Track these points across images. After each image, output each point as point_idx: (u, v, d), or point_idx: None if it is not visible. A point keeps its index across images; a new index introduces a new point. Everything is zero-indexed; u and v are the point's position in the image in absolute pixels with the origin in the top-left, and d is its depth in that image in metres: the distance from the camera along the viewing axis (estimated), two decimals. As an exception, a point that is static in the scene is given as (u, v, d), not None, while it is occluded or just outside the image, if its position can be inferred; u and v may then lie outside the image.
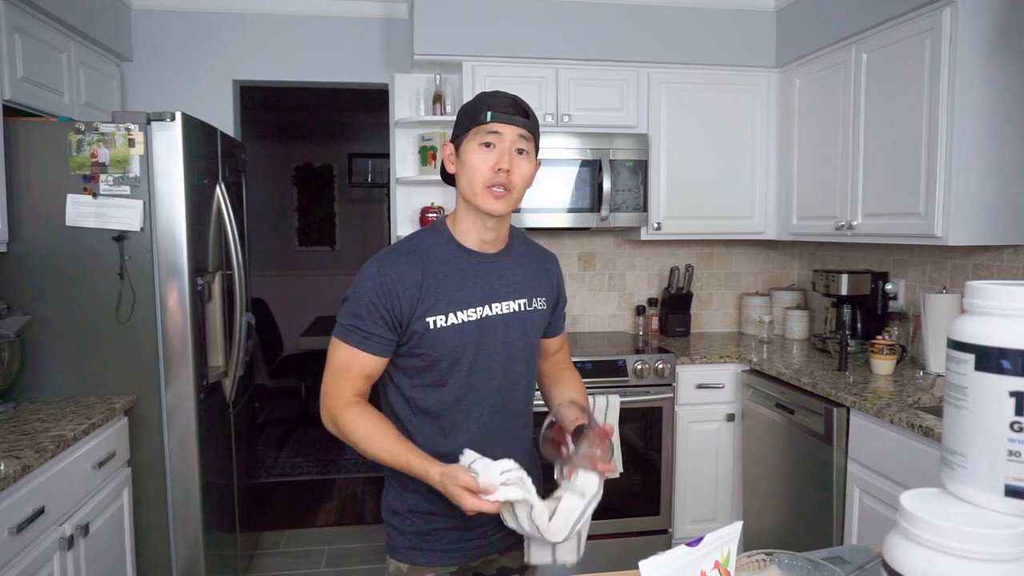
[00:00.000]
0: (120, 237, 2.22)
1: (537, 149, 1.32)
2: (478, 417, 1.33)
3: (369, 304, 1.25)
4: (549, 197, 3.00)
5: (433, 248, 1.31)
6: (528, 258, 1.42)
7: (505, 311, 1.34)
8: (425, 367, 1.30)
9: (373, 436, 1.24)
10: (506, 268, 1.36)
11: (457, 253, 1.32)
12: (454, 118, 1.37)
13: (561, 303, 1.52)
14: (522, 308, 1.37)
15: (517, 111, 1.27)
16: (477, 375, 1.32)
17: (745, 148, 3.23)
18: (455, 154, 1.32)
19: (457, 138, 1.31)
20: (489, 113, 1.25)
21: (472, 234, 1.33)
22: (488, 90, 1.34)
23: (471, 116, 1.27)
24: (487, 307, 1.31)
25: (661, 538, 2.93)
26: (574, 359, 1.98)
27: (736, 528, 0.83)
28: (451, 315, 1.28)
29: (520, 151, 1.27)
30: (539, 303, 1.40)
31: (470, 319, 1.29)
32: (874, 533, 2.09)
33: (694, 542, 0.78)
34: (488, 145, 1.26)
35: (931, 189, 2.29)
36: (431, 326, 1.26)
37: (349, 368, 1.27)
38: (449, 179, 1.37)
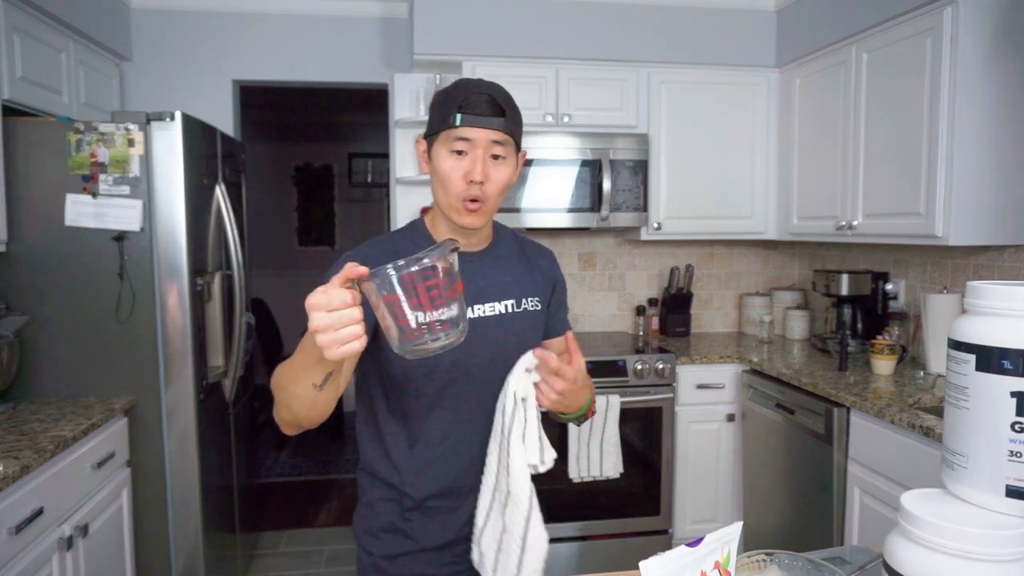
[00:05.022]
0: (120, 237, 2.22)
1: (518, 146, 1.20)
2: (455, 424, 1.23)
3: None
4: (549, 197, 2.99)
5: (410, 248, 1.17)
6: (517, 256, 1.32)
7: (490, 313, 1.23)
8: (401, 373, 1.19)
9: (284, 363, 1.04)
10: (490, 268, 1.26)
11: None
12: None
13: (557, 299, 1.38)
14: (509, 310, 1.26)
15: (492, 111, 1.13)
16: (455, 382, 1.21)
17: (745, 148, 3.23)
18: (427, 153, 1.19)
19: (429, 136, 1.18)
20: (459, 116, 1.11)
21: (450, 235, 1.22)
22: (465, 78, 1.19)
23: (441, 115, 1.14)
24: (469, 309, 1.21)
25: (661, 538, 2.92)
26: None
27: (736, 528, 0.83)
28: None
29: (495, 156, 1.15)
30: (530, 303, 1.29)
31: None
32: (875, 533, 2.09)
33: (694, 542, 0.77)
34: (459, 152, 1.13)
35: (932, 189, 2.29)
36: None
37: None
38: None
